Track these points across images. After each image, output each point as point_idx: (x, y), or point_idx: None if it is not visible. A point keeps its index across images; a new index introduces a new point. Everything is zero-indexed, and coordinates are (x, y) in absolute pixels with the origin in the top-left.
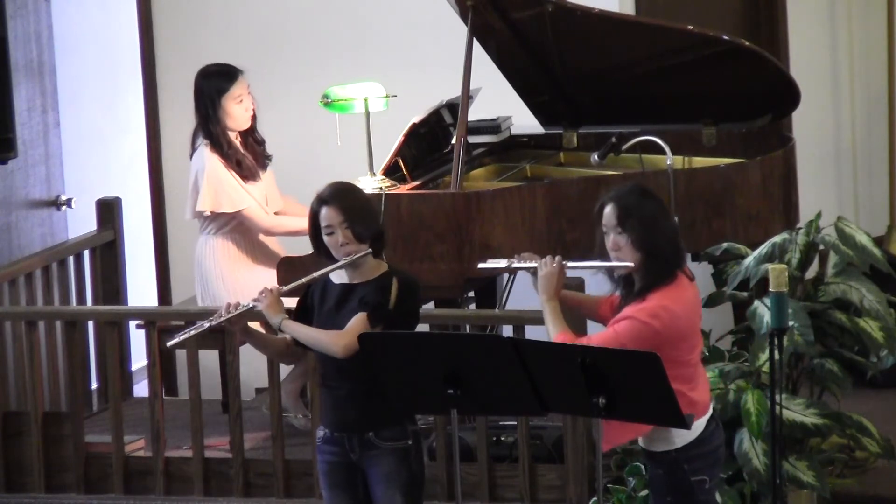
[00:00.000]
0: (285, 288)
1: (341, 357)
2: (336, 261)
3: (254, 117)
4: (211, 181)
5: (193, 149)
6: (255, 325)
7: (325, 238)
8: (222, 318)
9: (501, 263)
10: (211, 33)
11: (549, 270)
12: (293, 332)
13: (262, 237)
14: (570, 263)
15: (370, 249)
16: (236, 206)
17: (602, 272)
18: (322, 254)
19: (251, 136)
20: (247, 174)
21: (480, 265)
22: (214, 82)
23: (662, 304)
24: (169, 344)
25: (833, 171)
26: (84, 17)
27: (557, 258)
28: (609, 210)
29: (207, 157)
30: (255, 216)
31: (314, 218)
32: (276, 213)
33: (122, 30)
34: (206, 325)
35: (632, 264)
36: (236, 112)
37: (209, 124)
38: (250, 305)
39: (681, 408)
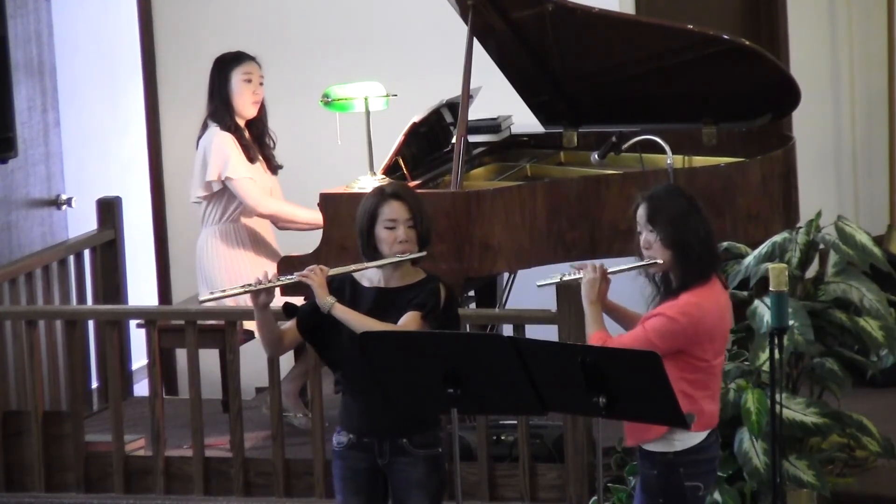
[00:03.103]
0: (331, 271)
1: None
2: (380, 258)
3: (262, 111)
4: (218, 151)
5: (202, 134)
6: (253, 325)
7: (383, 232)
8: (264, 286)
9: (556, 278)
10: (211, 32)
11: (592, 277)
12: (345, 318)
13: (257, 229)
14: (611, 269)
15: (424, 252)
16: (238, 174)
17: (641, 274)
18: (368, 249)
19: (262, 136)
20: (247, 154)
21: (539, 283)
22: (227, 62)
23: (692, 301)
24: (201, 299)
25: (833, 171)
26: (84, 16)
27: (600, 265)
28: (641, 208)
29: (216, 133)
30: (248, 191)
31: (373, 210)
32: None
33: (122, 29)
34: (248, 288)
35: (661, 261)
36: (243, 90)
37: (216, 102)
38: (294, 278)
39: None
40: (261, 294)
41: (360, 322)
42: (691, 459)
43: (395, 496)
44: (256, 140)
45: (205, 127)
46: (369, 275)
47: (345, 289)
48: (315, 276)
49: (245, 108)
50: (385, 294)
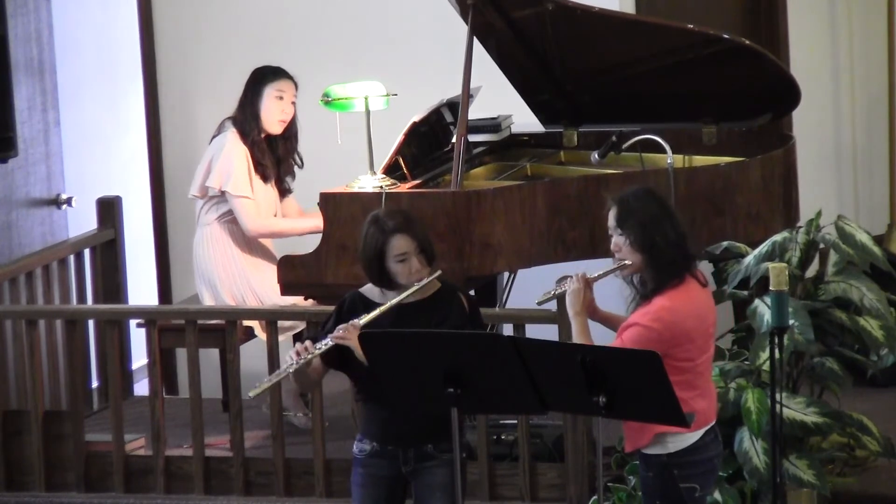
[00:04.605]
0: (362, 321)
1: None
2: (395, 285)
3: (293, 130)
4: (226, 160)
5: (218, 133)
6: (253, 323)
7: (396, 266)
8: (304, 360)
9: (550, 293)
10: (211, 32)
11: (575, 287)
12: None
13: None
14: (591, 276)
15: (440, 271)
16: (238, 191)
17: (619, 276)
18: (382, 281)
19: (287, 155)
20: (261, 169)
21: (538, 301)
22: (263, 75)
23: (664, 305)
24: (251, 394)
25: (833, 170)
26: (84, 15)
27: (582, 274)
28: (612, 211)
29: (231, 140)
30: (247, 211)
31: (380, 246)
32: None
33: (122, 28)
34: (289, 368)
35: (629, 262)
36: (272, 107)
37: (248, 111)
38: (331, 343)
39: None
40: (310, 363)
41: None
42: (685, 461)
43: (417, 499)
44: (276, 157)
45: (222, 127)
46: (386, 292)
47: (357, 308)
48: (351, 336)
49: (271, 125)
50: (403, 310)
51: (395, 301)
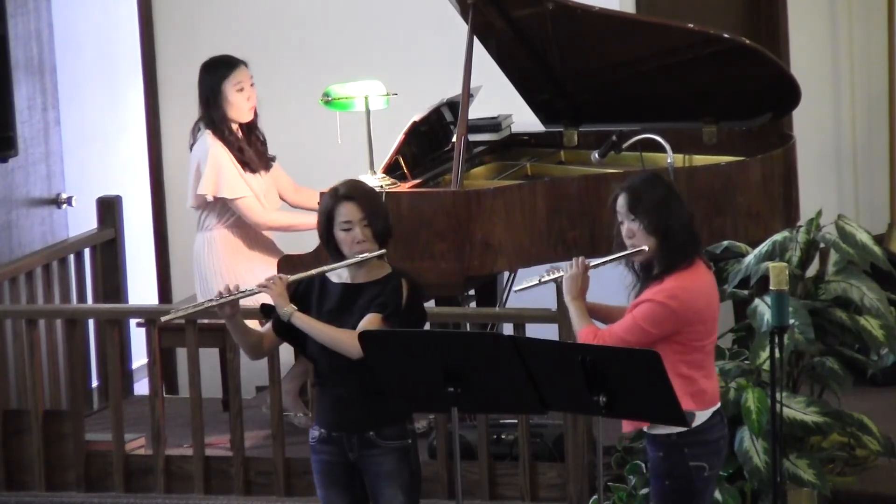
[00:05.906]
0: (292, 277)
1: (356, 357)
2: (344, 257)
3: (256, 113)
4: (213, 166)
5: (195, 139)
6: (253, 323)
7: (341, 234)
8: (226, 299)
9: (533, 281)
10: (211, 32)
11: (573, 272)
12: (305, 326)
13: (262, 232)
14: (593, 262)
15: (384, 250)
16: (235, 193)
17: (623, 264)
18: (330, 249)
19: (253, 132)
20: (247, 165)
21: (516, 289)
22: (215, 71)
23: (679, 284)
24: (164, 318)
25: (833, 170)
26: (84, 15)
27: (581, 259)
28: (621, 199)
29: (210, 144)
30: (250, 208)
31: (329, 212)
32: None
33: (122, 28)
34: (210, 303)
35: (646, 248)
36: (237, 100)
37: (211, 112)
38: (255, 290)
39: (683, 402)
40: (225, 307)
41: (317, 330)
42: (695, 440)
43: (370, 490)
44: (249, 139)
45: (196, 130)
46: (337, 271)
47: (313, 286)
48: (274, 286)
49: (241, 116)
50: (350, 290)
51: (327, 268)
